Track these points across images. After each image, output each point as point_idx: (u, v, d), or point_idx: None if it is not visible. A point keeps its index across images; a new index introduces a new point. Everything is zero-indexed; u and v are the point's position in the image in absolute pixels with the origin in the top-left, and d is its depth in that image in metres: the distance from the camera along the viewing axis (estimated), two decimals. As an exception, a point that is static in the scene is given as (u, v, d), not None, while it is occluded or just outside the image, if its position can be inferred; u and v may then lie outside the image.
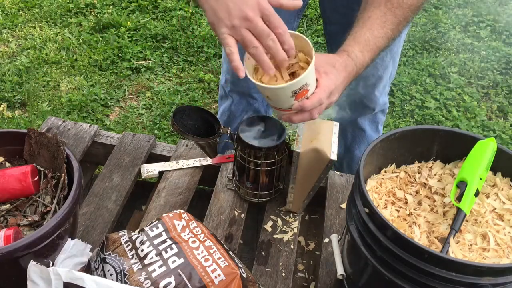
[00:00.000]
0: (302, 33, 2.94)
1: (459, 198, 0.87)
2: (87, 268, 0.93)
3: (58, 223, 0.90)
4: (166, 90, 2.50)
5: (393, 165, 1.01)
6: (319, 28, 2.98)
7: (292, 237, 1.18)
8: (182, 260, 0.86)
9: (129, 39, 2.82)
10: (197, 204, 1.32)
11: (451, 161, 1.01)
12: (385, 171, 1.00)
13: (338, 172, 1.36)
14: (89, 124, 1.43)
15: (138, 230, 0.95)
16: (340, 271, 0.96)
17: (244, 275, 0.87)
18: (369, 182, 0.96)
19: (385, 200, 0.94)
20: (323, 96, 0.93)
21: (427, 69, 2.73)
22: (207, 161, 1.36)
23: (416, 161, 1.02)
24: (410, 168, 1.01)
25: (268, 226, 1.21)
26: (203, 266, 0.85)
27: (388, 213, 0.91)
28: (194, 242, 0.90)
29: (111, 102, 2.43)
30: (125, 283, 0.85)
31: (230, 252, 0.92)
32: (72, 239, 0.97)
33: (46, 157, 1.07)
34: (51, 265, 0.92)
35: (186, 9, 3.07)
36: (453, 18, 3.20)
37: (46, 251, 0.91)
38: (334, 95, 0.96)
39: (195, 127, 1.16)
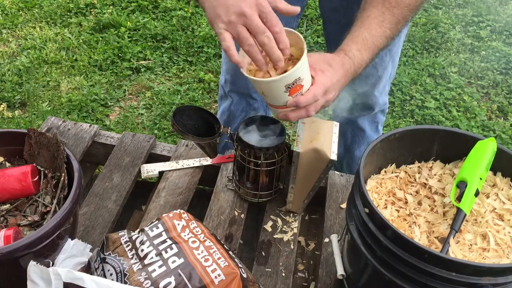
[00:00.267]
0: (302, 33, 2.94)
1: (459, 198, 0.87)
2: (87, 268, 0.93)
3: (58, 223, 0.90)
4: (166, 90, 2.50)
5: (393, 165, 1.01)
6: (319, 28, 2.98)
7: (292, 237, 1.18)
8: (182, 260, 0.86)
9: (129, 39, 2.82)
10: (197, 204, 1.32)
11: (451, 161, 1.01)
12: (385, 171, 1.00)
13: (338, 172, 1.36)
14: (89, 124, 1.43)
15: (138, 230, 0.95)
16: (340, 271, 0.96)
17: (244, 275, 0.87)
18: (369, 182, 0.96)
19: (385, 200, 0.94)
20: (318, 92, 0.93)
21: (427, 69, 2.73)
22: (207, 161, 1.36)
23: (416, 161, 1.02)
24: (410, 168, 1.01)
25: (268, 226, 1.21)
26: (203, 266, 0.85)
27: (388, 213, 0.91)
28: (194, 242, 0.90)
29: (111, 102, 2.43)
30: (125, 283, 0.85)
31: (230, 252, 0.92)
32: (72, 239, 0.97)
33: (46, 157, 1.07)
34: (51, 265, 0.92)
35: (186, 9, 3.07)
36: (453, 18, 3.20)
37: (46, 251, 0.91)
38: (330, 93, 0.96)
39: (195, 127, 1.16)
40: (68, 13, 3.03)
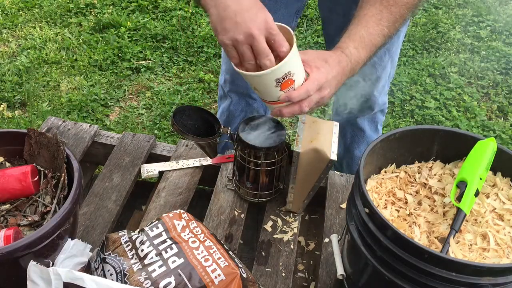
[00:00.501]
0: (302, 33, 2.94)
1: (459, 198, 0.87)
2: (87, 268, 0.93)
3: (58, 223, 0.90)
4: (166, 90, 2.50)
5: (393, 165, 1.01)
6: (319, 28, 2.98)
7: (292, 237, 1.18)
8: (182, 260, 0.86)
9: (129, 39, 2.82)
10: (197, 204, 1.32)
11: (451, 161, 1.01)
12: (385, 171, 1.00)
13: (338, 172, 1.36)
14: (89, 124, 1.43)
15: (138, 230, 0.95)
16: (340, 271, 0.96)
17: (244, 275, 0.87)
18: (369, 182, 0.96)
19: (385, 200, 0.94)
20: (310, 87, 0.93)
21: (427, 69, 2.73)
22: (207, 161, 1.36)
23: (416, 161, 1.02)
24: (410, 168, 1.01)
25: (268, 226, 1.21)
26: (203, 266, 0.85)
27: (388, 213, 0.91)
28: (194, 242, 0.90)
29: (111, 102, 2.43)
30: (125, 283, 0.85)
31: (230, 252, 0.92)
32: (72, 239, 0.97)
33: (46, 157, 1.07)
34: (51, 265, 0.92)
35: (186, 9, 3.07)
36: (453, 18, 3.20)
37: (46, 251, 0.91)
38: (325, 89, 0.96)
39: (195, 127, 1.16)
40: (68, 13, 3.03)
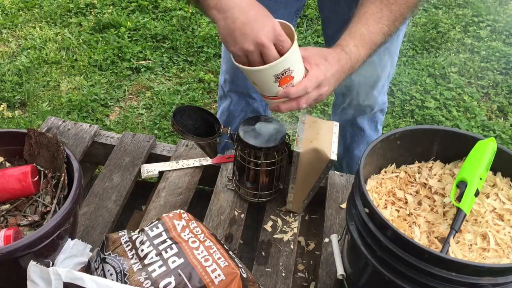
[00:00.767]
0: (302, 33, 2.94)
1: (459, 198, 0.87)
2: (87, 268, 0.93)
3: (58, 223, 0.90)
4: (166, 90, 2.50)
5: (393, 165, 1.01)
6: (319, 28, 2.98)
7: (292, 237, 1.18)
8: (182, 260, 0.86)
9: (129, 39, 2.82)
10: (197, 204, 1.32)
11: (451, 161, 1.01)
12: (385, 171, 1.00)
13: (338, 172, 1.36)
14: (89, 124, 1.43)
15: (138, 230, 0.95)
16: (340, 271, 0.96)
17: (244, 275, 0.87)
18: (369, 182, 0.96)
19: (385, 200, 0.94)
20: (309, 84, 0.94)
21: (427, 69, 2.73)
22: (207, 161, 1.36)
23: (416, 161, 1.02)
24: (410, 168, 1.01)
25: (268, 226, 1.21)
26: (203, 266, 0.85)
27: (388, 213, 0.91)
28: (194, 242, 0.90)
29: (111, 102, 2.43)
30: (125, 283, 0.85)
31: (230, 252, 0.92)
32: (72, 239, 0.97)
33: (46, 157, 1.07)
34: (51, 265, 0.92)
35: (186, 9, 3.07)
36: (453, 18, 3.20)
37: (46, 251, 0.91)
38: (324, 87, 0.97)
39: (195, 127, 1.16)
40: (68, 13, 3.03)
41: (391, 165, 1.01)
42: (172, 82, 2.58)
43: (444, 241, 0.83)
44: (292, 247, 1.16)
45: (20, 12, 3.01)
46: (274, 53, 0.90)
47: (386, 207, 0.93)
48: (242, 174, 1.21)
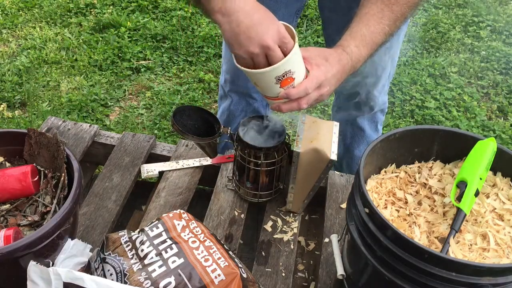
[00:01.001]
0: (302, 33, 2.94)
1: (459, 198, 0.87)
2: (87, 268, 0.93)
3: (58, 223, 0.90)
4: (166, 90, 2.50)
5: (393, 165, 1.01)
6: (319, 28, 2.98)
7: (292, 237, 1.18)
8: (182, 260, 0.86)
9: (129, 39, 2.82)
10: (197, 204, 1.32)
11: (451, 161, 1.01)
12: (385, 171, 1.00)
13: (338, 172, 1.36)
14: (89, 124, 1.43)
15: (138, 230, 0.95)
16: (340, 271, 0.96)
17: (244, 275, 0.87)
18: (369, 182, 0.96)
19: (385, 200, 0.94)
20: (309, 85, 0.94)
21: (427, 69, 2.73)
22: (207, 161, 1.36)
23: (416, 161, 1.02)
24: (410, 168, 1.01)
25: (268, 226, 1.21)
26: (203, 266, 0.85)
27: (388, 213, 0.91)
28: (194, 242, 0.90)
29: (111, 102, 2.43)
30: (125, 283, 0.85)
31: (230, 252, 0.92)
32: (72, 239, 0.97)
33: (46, 157, 1.07)
34: (51, 265, 0.92)
35: (186, 9, 3.07)
36: (453, 18, 3.19)
37: (46, 251, 0.91)
38: (324, 87, 0.97)
39: (195, 127, 1.16)
40: (68, 13, 3.03)
41: (391, 165, 1.01)
42: (172, 82, 2.58)
43: (444, 241, 0.83)
44: (292, 247, 1.16)
45: (20, 12, 3.01)
46: (280, 55, 0.90)
47: (386, 207, 0.93)
48: (242, 174, 1.21)
